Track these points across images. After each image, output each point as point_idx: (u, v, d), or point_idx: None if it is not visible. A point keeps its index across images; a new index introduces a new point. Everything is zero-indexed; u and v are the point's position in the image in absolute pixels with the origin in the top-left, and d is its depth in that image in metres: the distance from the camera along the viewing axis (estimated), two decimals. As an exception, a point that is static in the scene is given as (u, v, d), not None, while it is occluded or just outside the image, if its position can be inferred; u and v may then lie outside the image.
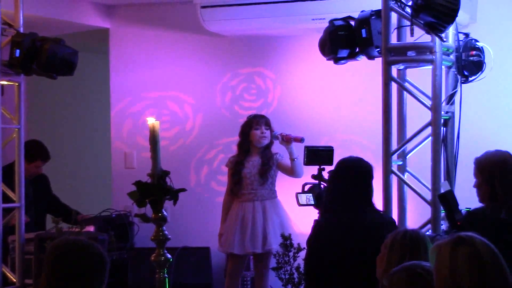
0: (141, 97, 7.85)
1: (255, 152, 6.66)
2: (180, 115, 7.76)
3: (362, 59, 5.58)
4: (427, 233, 4.99)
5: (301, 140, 6.52)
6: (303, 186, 6.33)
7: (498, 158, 4.58)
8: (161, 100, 7.79)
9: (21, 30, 5.90)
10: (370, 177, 4.69)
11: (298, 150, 6.52)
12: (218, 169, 7.51)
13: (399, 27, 5.57)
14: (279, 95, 7.51)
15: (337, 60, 5.57)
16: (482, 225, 4.38)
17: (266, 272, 6.60)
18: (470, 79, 5.63)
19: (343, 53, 5.51)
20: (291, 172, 6.57)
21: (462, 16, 5.65)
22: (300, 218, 6.59)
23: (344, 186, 4.65)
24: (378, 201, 4.90)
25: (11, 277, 5.99)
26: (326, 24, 5.59)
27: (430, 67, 5.21)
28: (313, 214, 6.11)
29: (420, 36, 5.25)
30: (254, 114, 6.80)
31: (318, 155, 6.28)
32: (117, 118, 7.94)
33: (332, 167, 5.96)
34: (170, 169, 4.43)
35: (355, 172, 4.68)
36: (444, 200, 4.82)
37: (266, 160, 6.58)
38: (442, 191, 4.90)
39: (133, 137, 7.82)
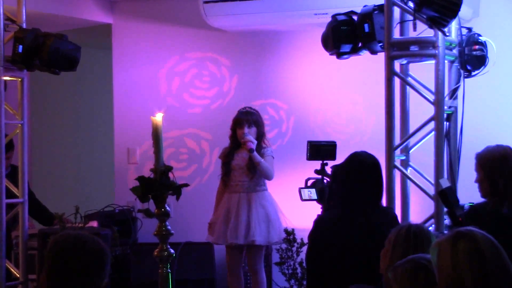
0: (144, 92, 7.85)
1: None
2: (181, 110, 7.77)
3: (365, 53, 5.58)
4: (430, 228, 4.99)
5: (249, 150, 6.53)
6: (306, 181, 6.33)
7: (499, 152, 4.58)
8: (163, 94, 7.79)
9: (24, 25, 5.90)
10: (381, 173, 4.69)
11: (301, 145, 6.51)
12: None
13: (402, 22, 5.56)
14: (282, 89, 7.51)
15: (339, 55, 5.56)
16: (484, 220, 4.38)
17: (259, 267, 6.55)
18: (473, 73, 5.63)
19: (346, 48, 5.51)
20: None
21: (465, 11, 5.64)
22: (303, 213, 6.60)
23: (358, 182, 4.61)
24: (381, 196, 4.91)
25: (15, 273, 6.00)
26: (329, 19, 5.58)
27: (433, 61, 5.21)
28: (316, 209, 6.11)
29: (423, 30, 5.24)
30: (241, 110, 6.77)
31: (321, 150, 6.28)
32: (120, 113, 7.94)
33: (334, 162, 5.98)
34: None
35: (369, 167, 4.65)
36: (444, 197, 4.81)
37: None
38: (442, 187, 4.89)
39: (137, 132, 7.82)
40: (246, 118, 6.62)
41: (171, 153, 7.61)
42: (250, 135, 6.58)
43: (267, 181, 6.68)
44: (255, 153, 6.52)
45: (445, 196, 4.78)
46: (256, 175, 6.59)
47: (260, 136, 6.66)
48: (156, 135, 4.38)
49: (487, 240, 2.76)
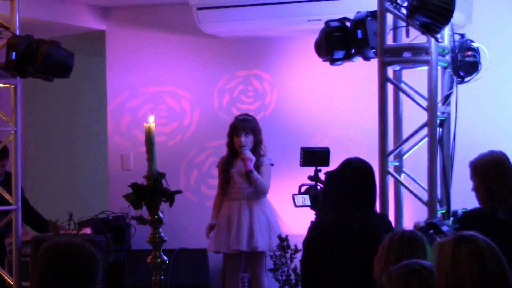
0: (137, 98, 7.85)
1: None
2: (177, 112, 7.76)
3: (358, 60, 5.58)
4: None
5: (248, 172, 6.54)
6: (300, 187, 6.32)
7: (492, 158, 4.60)
8: (158, 100, 7.80)
9: (17, 32, 5.90)
10: (375, 179, 4.70)
11: (294, 151, 6.52)
12: (209, 172, 7.57)
13: (395, 28, 5.57)
14: (276, 97, 7.52)
15: (333, 61, 5.57)
16: (480, 225, 4.38)
17: (262, 273, 6.59)
18: (466, 79, 5.63)
19: (339, 54, 5.51)
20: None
21: (457, 17, 5.65)
22: (296, 219, 6.60)
23: (351, 188, 4.62)
24: (374, 202, 4.91)
25: (8, 280, 5.99)
26: (322, 25, 5.59)
27: (426, 67, 5.22)
28: (310, 215, 6.11)
29: (416, 37, 5.25)
30: (238, 117, 6.76)
31: (315, 156, 6.28)
32: (113, 120, 7.94)
33: (328, 168, 5.98)
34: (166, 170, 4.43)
35: (363, 173, 4.65)
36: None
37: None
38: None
39: (130, 139, 7.82)
40: (243, 126, 6.62)
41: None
42: (247, 146, 6.59)
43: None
44: (253, 172, 6.52)
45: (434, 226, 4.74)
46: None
47: (258, 143, 6.66)
48: (149, 141, 4.38)
49: (489, 246, 2.77)
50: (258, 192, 6.60)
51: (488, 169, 4.58)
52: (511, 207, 4.50)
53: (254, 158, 6.58)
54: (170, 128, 7.76)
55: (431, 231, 4.76)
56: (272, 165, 6.69)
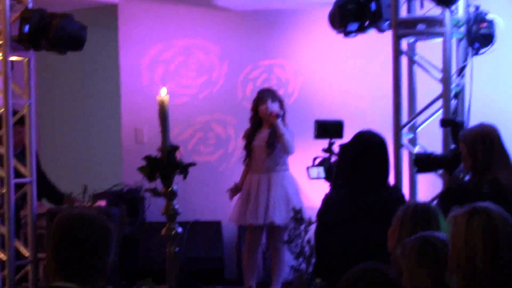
0: (150, 72, 7.85)
1: (266, 124, 6.68)
2: (189, 89, 7.76)
3: (372, 32, 5.56)
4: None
5: (276, 116, 6.52)
6: (314, 159, 6.32)
7: (480, 130, 4.59)
8: (171, 73, 7.79)
9: (30, 6, 5.90)
10: (387, 151, 4.69)
11: (307, 123, 6.52)
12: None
13: (409, 0, 5.54)
14: (290, 69, 7.49)
15: (346, 34, 5.55)
16: (466, 199, 4.37)
17: (280, 246, 6.61)
18: (481, 51, 5.60)
19: (353, 26, 5.50)
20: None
21: (472, -12, 5.61)
22: (310, 192, 6.60)
23: (364, 160, 4.61)
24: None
25: (24, 251, 6.04)
26: (336, -2, 5.57)
27: (440, 39, 5.19)
28: (324, 187, 6.11)
29: (430, 9, 5.22)
30: (260, 90, 6.82)
31: (328, 128, 6.27)
32: (127, 93, 7.94)
33: (342, 141, 5.98)
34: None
35: (375, 146, 4.64)
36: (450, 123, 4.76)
37: (274, 131, 6.58)
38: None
39: (144, 112, 7.83)
40: (268, 93, 6.67)
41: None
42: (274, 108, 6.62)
43: (288, 161, 6.69)
44: (280, 123, 6.52)
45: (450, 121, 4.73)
46: (275, 152, 6.59)
47: (283, 112, 6.67)
48: (162, 114, 4.37)
49: (502, 217, 2.77)
50: (284, 149, 6.58)
51: (476, 140, 4.57)
52: (495, 179, 4.49)
53: (281, 112, 6.58)
54: (189, 96, 7.77)
55: (448, 127, 4.77)
56: (293, 134, 6.69)
